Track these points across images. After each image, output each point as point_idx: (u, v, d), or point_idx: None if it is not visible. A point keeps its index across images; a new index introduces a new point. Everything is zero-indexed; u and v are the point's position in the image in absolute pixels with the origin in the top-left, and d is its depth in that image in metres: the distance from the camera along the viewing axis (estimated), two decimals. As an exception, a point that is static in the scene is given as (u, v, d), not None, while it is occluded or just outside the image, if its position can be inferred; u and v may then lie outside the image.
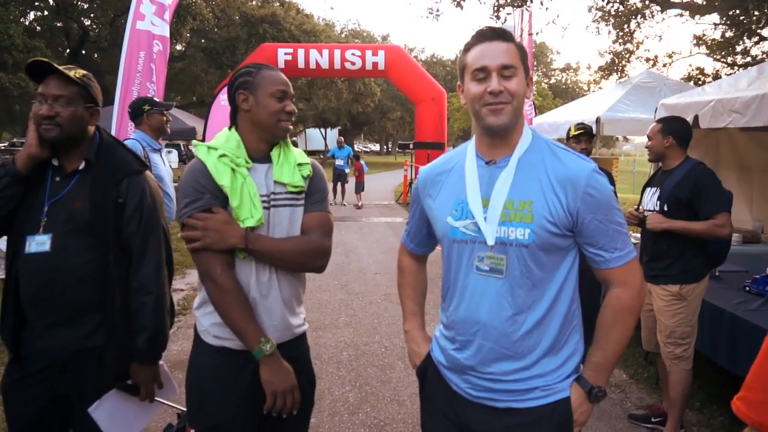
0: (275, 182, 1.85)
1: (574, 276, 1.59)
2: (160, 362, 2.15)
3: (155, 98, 3.96)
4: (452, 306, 1.64)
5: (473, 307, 1.57)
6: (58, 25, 23.33)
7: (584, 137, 4.24)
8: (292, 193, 1.87)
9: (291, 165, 1.88)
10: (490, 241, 1.52)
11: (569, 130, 4.38)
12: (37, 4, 22.98)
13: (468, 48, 1.55)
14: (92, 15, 23.21)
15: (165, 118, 3.90)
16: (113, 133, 5.75)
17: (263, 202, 1.82)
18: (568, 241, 1.53)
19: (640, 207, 3.56)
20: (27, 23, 22.27)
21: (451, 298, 1.65)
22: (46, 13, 23.32)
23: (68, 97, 1.92)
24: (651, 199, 3.44)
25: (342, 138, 17.52)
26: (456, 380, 1.65)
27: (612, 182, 4.11)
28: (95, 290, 1.95)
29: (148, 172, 2.12)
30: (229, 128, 1.89)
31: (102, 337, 1.97)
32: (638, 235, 4.55)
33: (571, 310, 1.59)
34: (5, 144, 31.90)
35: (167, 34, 6.23)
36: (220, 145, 1.82)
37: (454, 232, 1.59)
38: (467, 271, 1.58)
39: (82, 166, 1.98)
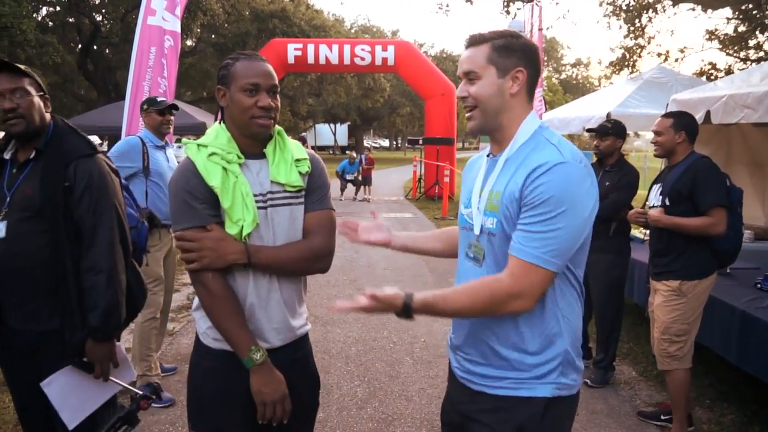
0: (272, 182, 1.76)
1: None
2: (117, 343, 2.18)
3: (160, 98, 3.95)
4: None
5: None
6: (70, 20, 23.42)
7: (597, 135, 4.20)
8: (290, 192, 1.78)
9: (288, 163, 1.78)
10: (476, 230, 1.61)
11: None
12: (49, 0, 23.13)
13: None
14: (104, 11, 23.30)
15: (163, 118, 3.85)
16: (124, 127, 5.78)
17: (258, 201, 1.72)
18: None
19: (646, 205, 3.55)
20: (39, 19, 22.40)
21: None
22: (58, 8, 23.44)
23: (24, 88, 2.01)
24: (656, 195, 3.43)
25: (354, 155, 17.37)
26: (451, 357, 1.77)
27: (636, 174, 4.01)
28: (50, 275, 2.02)
29: (100, 156, 2.15)
30: (219, 122, 1.81)
31: (59, 320, 2.04)
32: (647, 231, 4.53)
33: (546, 313, 1.54)
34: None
35: (178, 29, 6.25)
36: (210, 141, 1.73)
37: (461, 219, 1.71)
38: (462, 257, 1.70)
39: (33, 155, 2.06)
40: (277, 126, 1.82)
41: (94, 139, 34.75)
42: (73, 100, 25.95)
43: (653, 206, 3.42)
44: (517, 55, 1.56)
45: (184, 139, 1.85)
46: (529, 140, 1.56)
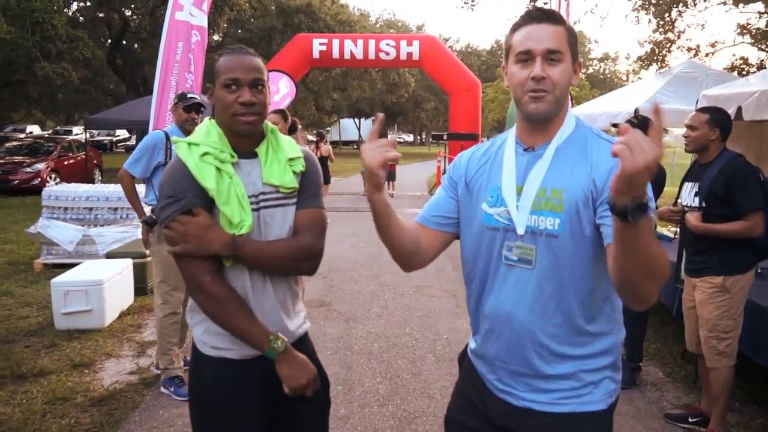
0: (265, 183, 1.68)
1: (604, 269, 1.42)
2: None
3: (190, 94, 3.94)
4: (481, 298, 1.58)
5: (502, 298, 1.51)
6: (100, 15, 23.81)
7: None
8: (284, 193, 1.70)
9: (281, 163, 1.69)
10: (520, 230, 1.46)
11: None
12: (79, -5, 23.53)
13: (515, 28, 1.48)
14: (132, 6, 23.62)
15: (188, 115, 3.82)
16: (151, 122, 5.84)
17: (251, 203, 1.65)
18: (597, 232, 1.42)
19: (678, 202, 3.48)
20: (70, 14, 22.80)
21: (480, 290, 1.59)
22: (88, 3, 23.84)
23: None
24: (689, 195, 3.35)
25: None
26: (483, 370, 1.61)
27: (662, 171, 3.89)
28: None
29: None
30: (210, 118, 1.73)
31: None
32: (677, 230, 4.43)
33: (605, 309, 1.48)
34: (49, 132, 32.94)
35: (205, 24, 6.30)
36: (201, 139, 1.65)
37: (488, 219, 1.54)
38: (497, 261, 1.52)
39: None
40: (269, 124, 1.76)
41: (122, 132, 35.28)
42: (103, 95, 26.39)
43: (688, 206, 3.35)
44: (577, 46, 1.49)
45: (173, 137, 1.79)
46: (574, 132, 1.50)
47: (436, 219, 1.65)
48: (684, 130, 3.38)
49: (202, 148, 1.63)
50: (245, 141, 1.69)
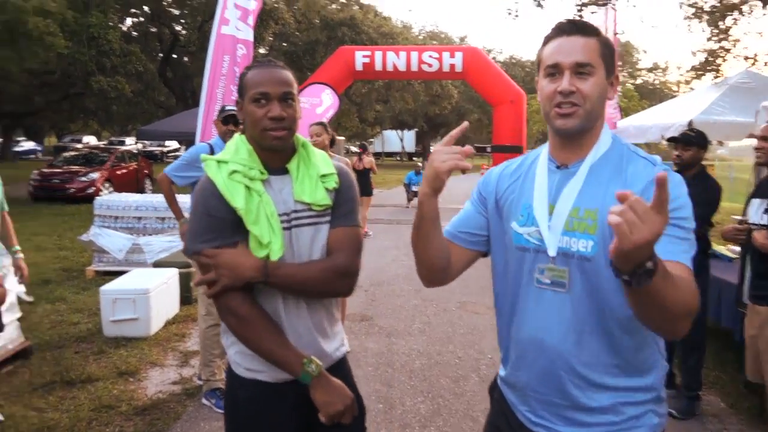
0: (296, 201, 1.63)
1: None
2: None
3: (229, 106, 4.01)
4: (511, 321, 1.51)
5: (533, 323, 1.43)
6: (152, 30, 24.68)
7: (679, 144, 3.95)
8: (317, 211, 1.65)
9: (313, 179, 1.64)
10: (552, 252, 1.39)
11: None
12: (133, 11, 24.43)
13: (546, 41, 1.44)
14: (182, 21, 24.40)
15: (226, 128, 3.88)
16: (198, 134, 5.94)
17: (282, 221, 1.60)
18: None
19: (744, 220, 3.27)
20: (124, 29, 23.71)
21: (509, 313, 1.51)
22: (141, 19, 24.74)
23: None
24: (758, 212, 3.13)
25: (421, 165, 17.50)
26: (514, 401, 1.54)
27: (718, 189, 3.67)
28: None
29: None
30: (240, 134, 1.69)
31: None
32: (737, 248, 4.19)
33: (646, 337, 1.38)
34: (104, 142, 34.23)
35: (251, 38, 6.38)
36: (230, 157, 1.61)
37: (517, 239, 1.46)
38: (528, 283, 1.44)
39: None
40: (301, 137, 1.71)
41: (172, 143, 36.56)
42: (154, 107, 27.28)
43: (756, 225, 3.13)
44: (614, 58, 1.42)
45: (202, 155, 1.73)
46: (610, 150, 1.42)
47: (464, 236, 1.60)
48: (742, 142, 3.19)
49: (231, 166, 1.60)
50: (275, 157, 1.65)
